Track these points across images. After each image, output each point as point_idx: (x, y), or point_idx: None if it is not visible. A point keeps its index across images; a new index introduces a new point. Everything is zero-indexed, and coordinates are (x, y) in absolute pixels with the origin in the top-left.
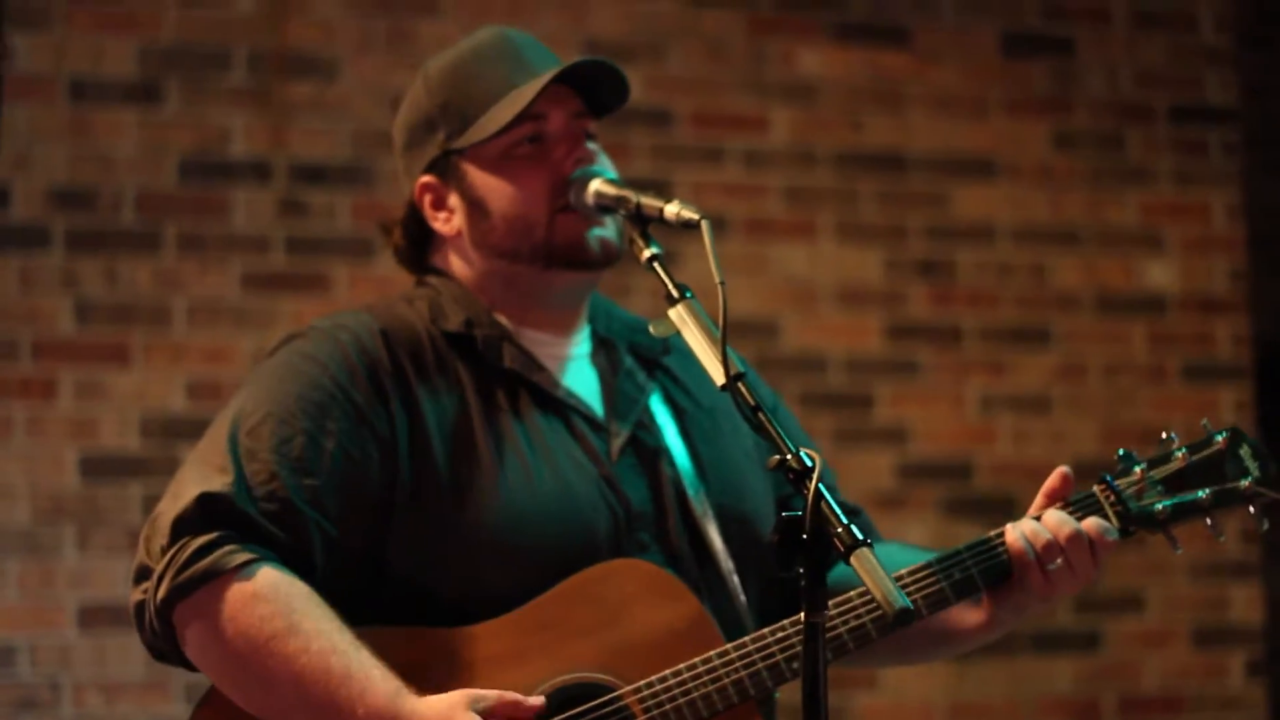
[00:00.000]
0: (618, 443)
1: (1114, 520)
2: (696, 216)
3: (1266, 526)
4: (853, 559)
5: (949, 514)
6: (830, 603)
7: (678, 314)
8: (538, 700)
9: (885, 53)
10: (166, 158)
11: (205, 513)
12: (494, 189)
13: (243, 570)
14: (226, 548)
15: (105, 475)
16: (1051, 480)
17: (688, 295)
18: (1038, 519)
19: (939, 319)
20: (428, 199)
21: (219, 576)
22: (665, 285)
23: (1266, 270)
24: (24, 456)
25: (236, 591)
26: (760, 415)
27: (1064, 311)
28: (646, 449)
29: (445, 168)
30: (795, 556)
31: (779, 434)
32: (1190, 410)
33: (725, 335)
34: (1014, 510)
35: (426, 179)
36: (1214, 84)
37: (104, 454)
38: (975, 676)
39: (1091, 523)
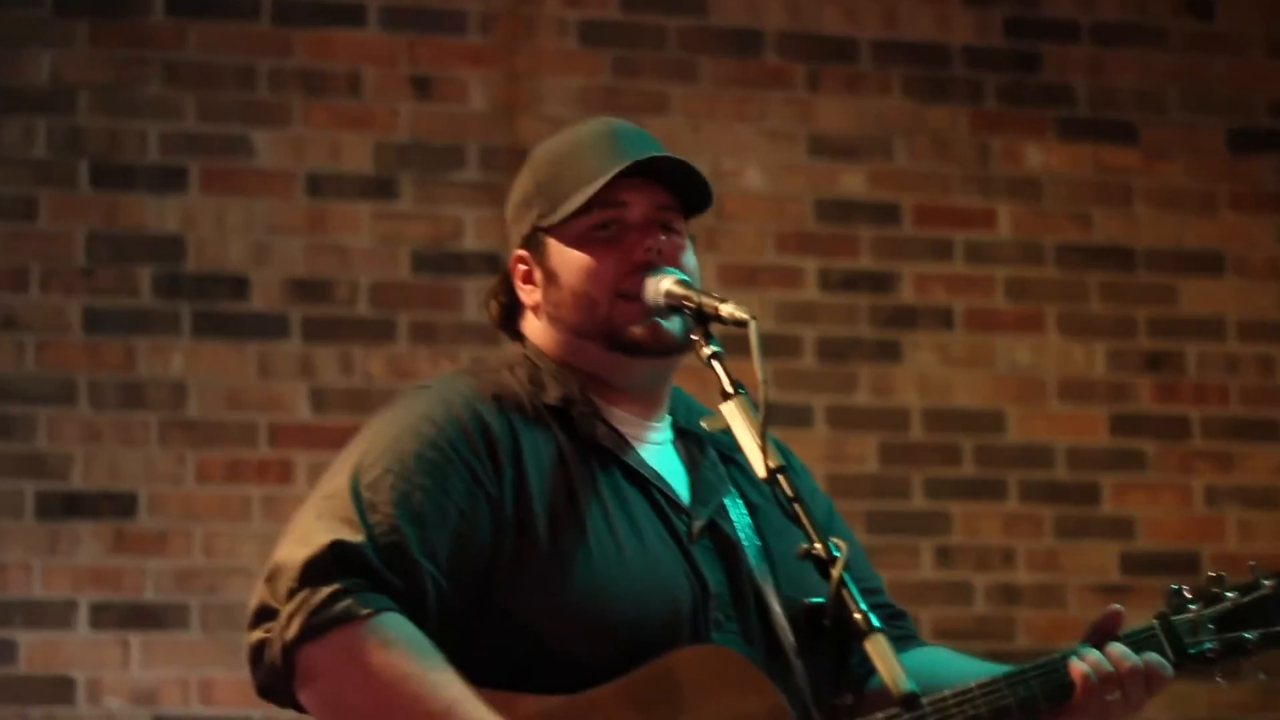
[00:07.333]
0: (698, 525)
1: (1170, 655)
2: (746, 316)
3: None
4: (867, 644)
5: None
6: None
7: (729, 409)
8: None
9: (1111, 148)
10: (400, 250)
11: (338, 560)
12: (568, 264)
13: (374, 617)
14: (358, 595)
15: None
16: (1103, 617)
17: (741, 392)
18: (1099, 648)
19: (1165, 411)
20: (519, 271)
21: (351, 621)
22: (721, 381)
23: None
24: (261, 537)
25: (369, 637)
26: (795, 506)
27: None
28: (723, 537)
29: (535, 243)
30: (819, 641)
31: (811, 524)
32: None
33: (765, 428)
34: None
35: (519, 253)
36: None
37: None
38: None
39: (1150, 658)
